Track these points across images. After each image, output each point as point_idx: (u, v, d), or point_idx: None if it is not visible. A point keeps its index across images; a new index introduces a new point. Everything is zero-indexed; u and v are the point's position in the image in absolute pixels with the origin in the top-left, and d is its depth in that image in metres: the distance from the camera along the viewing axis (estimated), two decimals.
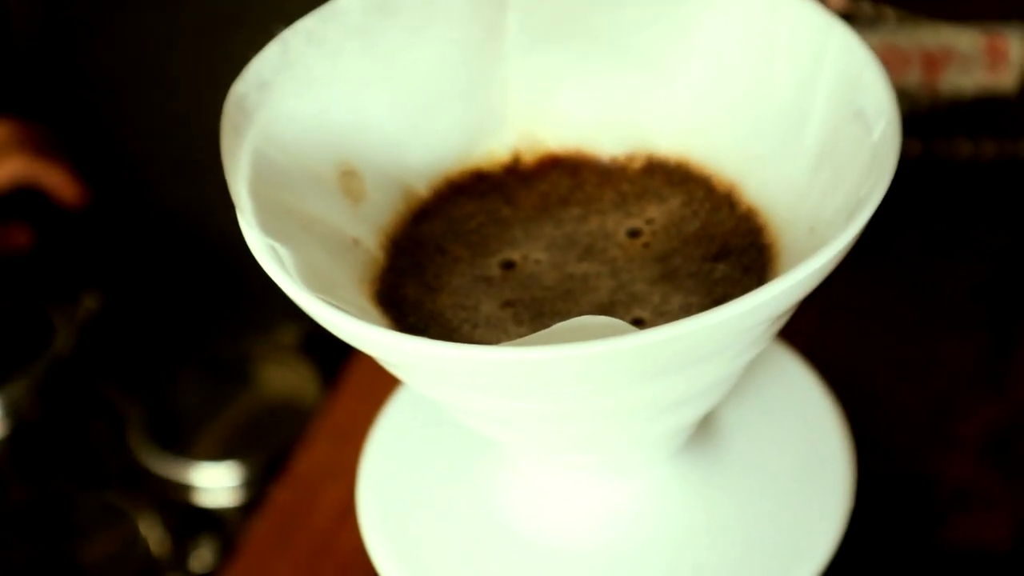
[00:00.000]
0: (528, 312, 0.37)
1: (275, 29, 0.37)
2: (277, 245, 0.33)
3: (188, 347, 0.85)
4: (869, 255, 0.70)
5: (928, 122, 0.68)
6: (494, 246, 0.39)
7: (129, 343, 0.89)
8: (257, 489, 0.75)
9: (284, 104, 0.37)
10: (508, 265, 0.39)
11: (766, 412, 0.43)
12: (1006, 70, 0.66)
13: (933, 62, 0.66)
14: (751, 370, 0.45)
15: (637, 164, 0.41)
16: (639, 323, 0.36)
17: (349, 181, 0.39)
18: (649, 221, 0.39)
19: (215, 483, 0.76)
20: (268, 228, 0.34)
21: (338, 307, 0.32)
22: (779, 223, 0.38)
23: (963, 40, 0.65)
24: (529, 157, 0.42)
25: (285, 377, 0.81)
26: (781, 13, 0.38)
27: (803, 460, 0.42)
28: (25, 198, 0.93)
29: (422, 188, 0.40)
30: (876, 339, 0.65)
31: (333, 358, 0.71)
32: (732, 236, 0.38)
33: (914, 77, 0.66)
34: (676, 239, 0.39)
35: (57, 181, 0.92)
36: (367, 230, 0.39)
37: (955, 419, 0.61)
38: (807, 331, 0.65)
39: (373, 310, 0.37)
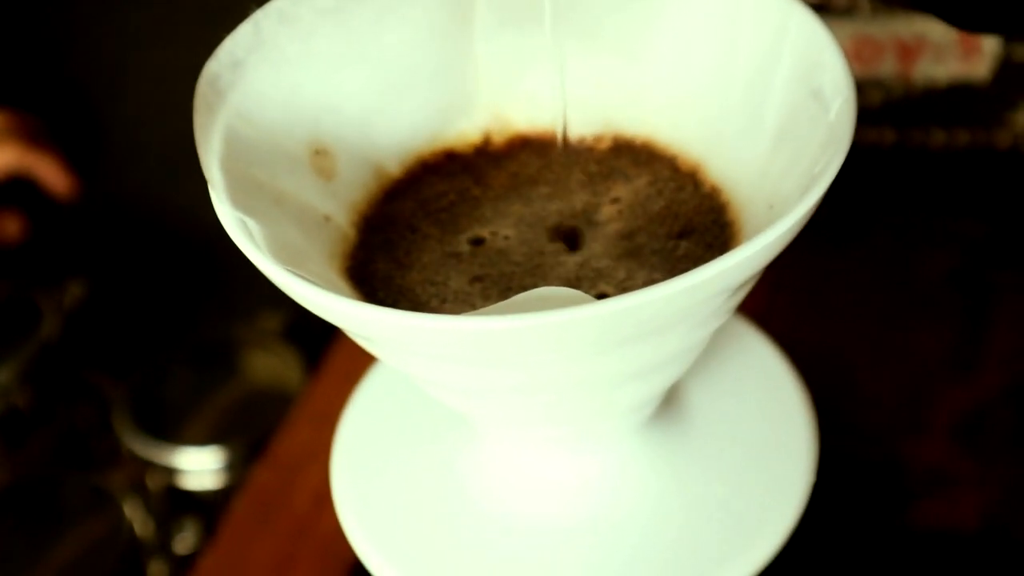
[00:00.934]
0: (496, 287, 0.38)
1: (248, 9, 0.38)
2: (247, 219, 0.34)
3: (173, 333, 0.85)
4: (845, 242, 0.70)
5: (903, 111, 0.69)
6: (463, 224, 0.40)
7: (115, 329, 0.89)
8: (240, 472, 0.76)
9: (256, 83, 0.38)
10: (477, 242, 0.40)
11: (732, 390, 0.44)
12: (979, 60, 0.66)
13: (907, 52, 0.67)
14: (718, 349, 0.46)
15: (604, 145, 0.42)
16: (603, 297, 0.37)
17: (321, 159, 0.39)
18: (615, 200, 0.40)
19: (199, 466, 0.76)
20: (239, 202, 0.35)
21: (306, 278, 0.33)
22: (741, 201, 0.39)
23: (936, 30, 0.66)
24: (499, 138, 0.43)
25: (269, 362, 0.81)
26: None
27: (767, 436, 0.43)
28: (17, 187, 0.94)
29: (394, 167, 0.41)
30: (850, 324, 0.66)
31: (316, 344, 0.72)
32: (696, 214, 0.39)
33: (888, 67, 0.67)
34: (642, 217, 0.40)
35: (49, 171, 0.93)
36: (338, 207, 0.39)
37: (927, 403, 0.62)
38: (782, 315, 0.66)
39: (343, 284, 0.38)
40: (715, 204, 0.39)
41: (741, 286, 0.35)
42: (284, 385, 0.79)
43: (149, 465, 0.78)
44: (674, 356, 0.37)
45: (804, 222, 0.33)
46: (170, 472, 0.77)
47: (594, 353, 0.34)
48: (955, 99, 0.68)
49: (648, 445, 0.42)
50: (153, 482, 0.78)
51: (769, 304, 0.67)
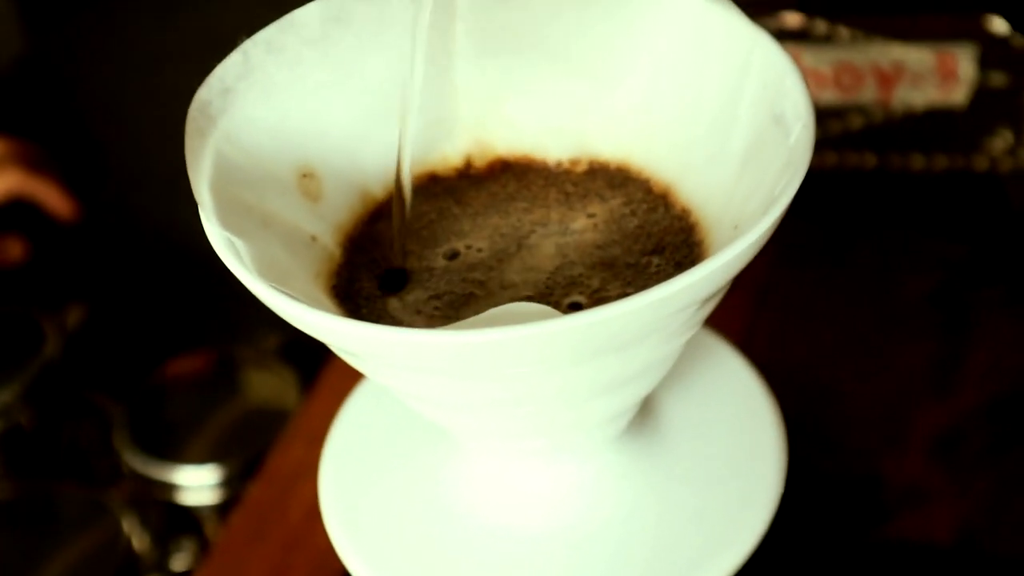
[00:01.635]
0: (472, 299, 0.40)
1: (238, 40, 0.40)
2: (235, 238, 0.36)
3: (174, 351, 0.87)
4: (828, 261, 0.72)
5: (883, 136, 0.70)
6: (442, 239, 0.42)
7: (116, 349, 0.91)
8: (237, 488, 0.77)
9: (245, 109, 0.40)
10: (453, 255, 0.41)
11: (704, 403, 0.46)
12: (956, 87, 0.68)
13: (886, 78, 0.68)
14: (690, 363, 0.47)
15: (581, 168, 0.44)
16: (576, 307, 0.39)
17: (308, 182, 0.41)
18: (591, 215, 0.42)
19: (197, 483, 0.78)
20: (227, 223, 0.36)
21: (289, 295, 0.34)
22: (709, 222, 0.40)
23: (914, 58, 0.67)
24: (480, 162, 0.44)
25: (266, 381, 0.83)
26: (712, 26, 0.41)
27: (738, 447, 0.45)
28: (19, 211, 0.96)
29: (378, 190, 0.43)
30: (832, 342, 0.68)
31: (312, 363, 0.74)
32: (667, 234, 0.41)
33: (869, 93, 0.69)
34: (616, 233, 0.41)
35: (51, 196, 0.95)
36: (324, 228, 0.41)
37: (905, 420, 0.63)
38: (766, 333, 0.68)
39: (328, 302, 0.39)
40: (685, 225, 0.41)
41: (707, 300, 0.36)
42: (281, 403, 0.81)
43: (148, 481, 0.79)
44: (646, 368, 0.38)
45: (764, 241, 0.35)
46: (169, 488, 0.79)
47: (567, 365, 0.35)
48: (933, 124, 0.69)
49: (623, 456, 0.44)
50: (151, 498, 0.80)
51: (753, 322, 0.68)
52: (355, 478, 0.47)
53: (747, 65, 0.39)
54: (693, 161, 0.41)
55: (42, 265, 0.96)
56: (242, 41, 0.40)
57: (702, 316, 0.38)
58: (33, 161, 0.97)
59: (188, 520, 0.79)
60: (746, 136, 0.39)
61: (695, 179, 0.41)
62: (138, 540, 0.77)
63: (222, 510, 0.78)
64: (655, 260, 0.40)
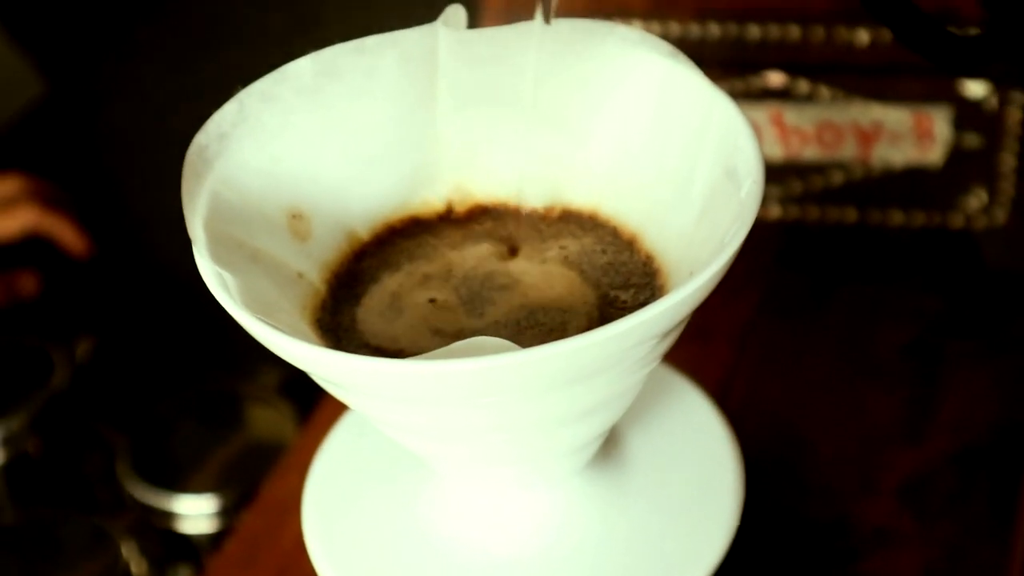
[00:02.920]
0: (446, 329, 0.42)
1: (234, 90, 0.43)
2: (224, 272, 0.39)
3: (177, 386, 0.89)
4: (807, 312, 0.74)
5: (863, 192, 0.73)
6: (420, 272, 0.45)
7: (122, 382, 0.94)
8: (234, 518, 0.79)
9: (240, 153, 0.43)
10: (432, 287, 0.44)
11: (666, 436, 0.48)
12: (932, 147, 0.70)
13: (866, 137, 0.71)
14: (654, 399, 0.50)
15: (554, 214, 0.47)
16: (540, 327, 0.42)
17: (297, 223, 0.44)
18: (563, 247, 0.45)
19: (196, 512, 0.80)
20: (218, 258, 0.39)
21: (272, 325, 0.37)
22: (670, 268, 0.43)
23: (892, 118, 0.70)
24: (460, 207, 0.47)
25: (266, 415, 0.85)
26: (676, 87, 0.44)
27: (698, 477, 0.47)
28: (34, 247, 0.99)
29: (363, 231, 0.46)
30: (809, 389, 0.69)
31: (309, 399, 0.76)
32: (632, 276, 0.44)
33: (849, 150, 0.71)
34: (586, 264, 0.44)
35: (65, 232, 0.98)
36: (311, 266, 0.44)
37: (877, 465, 0.65)
38: (745, 378, 0.70)
39: (312, 334, 0.42)
40: (648, 269, 0.44)
41: (664, 335, 0.39)
42: (279, 437, 0.83)
43: (149, 510, 0.81)
44: (609, 399, 0.41)
45: (714, 283, 0.37)
46: (168, 517, 0.81)
47: (531, 395, 0.38)
48: (911, 182, 0.71)
49: (591, 485, 0.46)
50: (151, 526, 0.82)
51: (734, 366, 0.71)
52: (337, 505, 0.50)
53: (706, 123, 0.42)
54: (657, 210, 0.44)
55: (54, 298, 0.99)
56: (238, 91, 0.43)
57: (661, 350, 0.40)
58: (50, 198, 1.00)
59: (186, 548, 0.82)
60: (703, 189, 0.42)
61: (658, 227, 0.44)
62: (137, 567, 0.79)
63: (219, 539, 0.80)
64: (621, 297, 0.43)
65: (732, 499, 0.46)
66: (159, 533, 0.82)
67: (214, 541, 0.81)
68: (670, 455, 0.48)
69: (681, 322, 0.38)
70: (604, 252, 0.45)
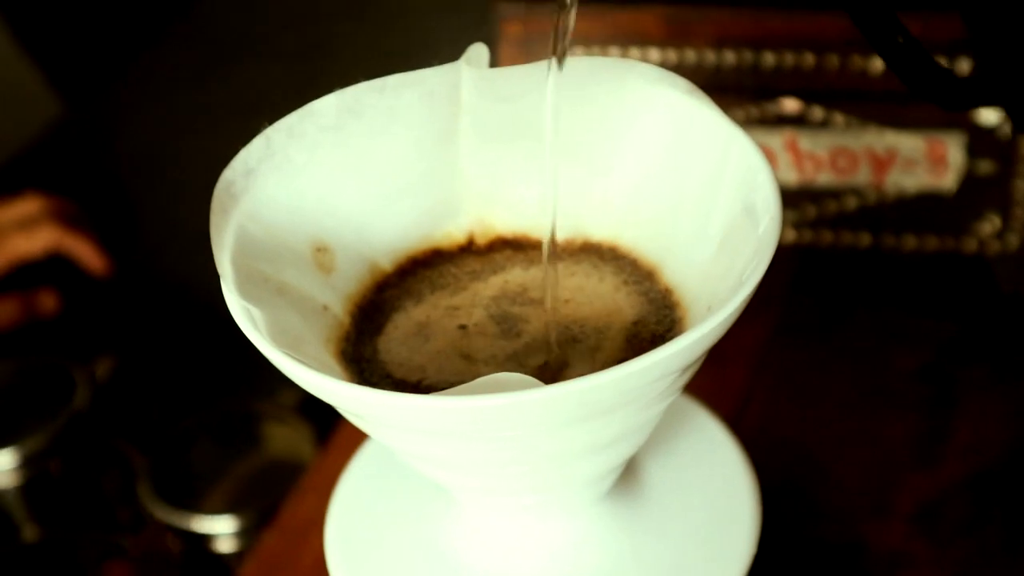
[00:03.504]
0: (475, 355, 0.43)
1: (261, 126, 0.44)
2: (252, 307, 0.39)
3: (195, 406, 0.90)
4: (821, 336, 0.75)
5: (877, 217, 0.73)
6: (443, 304, 0.46)
7: (143, 401, 0.94)
8: (253, 538, 0.80)
9: (266, 188, 0.44)
10: (457, 320, 0.45)
11: (684, 465, 0.49)
12: (945, 173, 0.71)
13: (880, 163, 0.72)
14: (674, 431, 0.51)
15: (575, 246, 0.48)
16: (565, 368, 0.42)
17: (322, 256, 0.45)
18: (586, 276, 0.46)
19: (215, 532, 0.81)
20: (245, 292, 0.40)
21: (299, 359, 0.38)
22: (688, 301, 0.44)
23: (906, 144, 0.71)
24: (482, 240, 0.48)
25: (284, 435, 0.86)
26: (695, 123, 0.44)
27: (715, 507, 0.48)
28: (55, 266, 1.00)
29: (386, 263, 0.47)
30: (823, 414, 0.70)
31: (327, 419, 0.77)
32: (651, 308, 0.45)
33: (863, 176, 0.72)
34: (609, 295, 0.45)
35: (86, 252, 0.99)
36: (335, 298, 0.45)
37: (891, 489, 0.65)
38: (761, 403, 0.71)
39: (336, 366, 0.43)
40: (668, 303, 0.45)
41: (683, 371, 0.39)
42: (298, 457, 0.84)
43: (169, 530, 0.82)
44: (628, 432, 0.42)
45: (732, 320, 0.38)
46: (188, 537, 0.82)
47: (552, 428, 0.38)
48: (924, 207, 0.72)
49: (608, 514, 0.47)
50: (171, 546, 0.83)
51: (749, 391, 0.71)
52: (359, 529, 0.50)
53: (724, 160, 0.43)
54: (675, 244, 0.45)
55: (75, 317, 1.00)
56: (264, 127, 0.44)
57: (680, 385, 0.41)
58: (71, 218, 1.01)
59: (205, 568, 0.82)
60: (721, 224, 0.43)
61: (676, 261, 0.45)
62: None
63: (239, 559, 0.81)
64: (642, 327, 0.44)
65: (749, 528, 0.47)
66: (178, 553, 0.83)
67: (234, 561, 0.81)
68: (686, 483, 0.49)
69: (701, 356, 0.39)
70: (625, 283, 0.46)
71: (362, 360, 0.44)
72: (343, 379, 0.42)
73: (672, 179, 0.45)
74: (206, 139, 1.09)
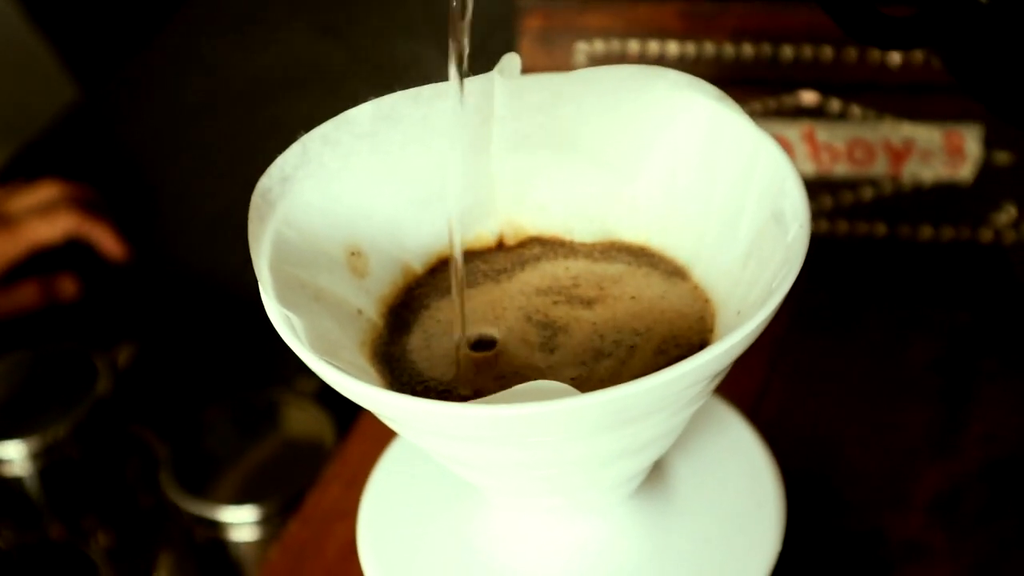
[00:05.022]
0: (502, 361, 0.44)
1: (297, 134, 0.44)
2: (291, 315, 0.40)
3: (215, 392, 0.91)
4: (838, 327, 0.75)
5: (893, 207, 0.74)
6: (478, 303, 0.46)
7: (163, 388, 0.95)
8: (275, 526, 0.81)
9: (302, 195, 0.44)
10: (482, 334, 0.46)
11: (710, 465, 0.50)
12: (962, 164, 0.72)
13: (897, 154, 0.72)
14: (698, 427, 0.51)
15: (604, 246, 0.48)
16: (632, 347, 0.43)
17: (356, 260, 0.46)
18: (615, 279, 0.46)
19: (237, 519, 0.82)
20: (284, 300, 0.41)
21: (339, 367, 0.39)
22: (717, 306, 0.45)
23: (923, 135, 0.71)
24: (512, 241, 0.49)
25: (304, 423, 0.87)
26: (723, 129, 0.45)
27: (741, 508, 0.49)
28: (74, 251, 1.01)
29: (417, 265, 0.48)
30: (840, 404, 0.70)
31: (346, 406, 0.78)
32: (682, 306, 0.45)
33: (880, 167, 0.73)
34: (638, 305, 0.46)
35: (104, 237, 1.00)
36: (369, 302, 0.46)
37: (908, 479, 0.66)
38: (778, 394, 0.71)
39: (372, 370, 0.44)
40: (698, 304, 0.45)
41: (712, 378, 0.40)
42: (318, 445, 0.84)
43: (190, 517, 0.83)
44: (657, 437, 0.42)
45: (762, 328, 0.39)
46: (210, 524, 0.83)
47: (585, 435, 0.39)
48: (941, 198, 0.73)
49: (635, 514, 0.48)
50: (193, 535, 0.84)
51: (766, 382, 0.72)
52: (391, 526, 0.51)
53: (752, 166, 0.44)
54: (704, 248, 0.46)
55: (94, 304, 1.00)
56: (300, 135, 0.44)
57: (710, 390, 0.42)
58: (89, 203, 1.01)
59: (228, 554, 0.83)
60: (750, 229, 0.43)
61: (706, 265, 0.46)
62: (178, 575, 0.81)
63: (258, 547, 0.82)
64: (674, 332, 0.44)
65: (774, 526, 0.48)
66: (202, 541, 0.83)
67: (254, 549, 0.82)
68: (711, 479, 0.50)
69: (731, 363, 0.40)
70: (657, 282, 0.46)
71: (393, 359, 0.45)
72: (378, 382, 0.43)
73: (700, 184, 0.46)
74: (222, 122, 1.09)
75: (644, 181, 0.47)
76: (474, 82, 0.45)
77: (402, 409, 0.38)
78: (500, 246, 0.49)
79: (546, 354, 0.44)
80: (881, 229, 0.74)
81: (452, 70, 0.42)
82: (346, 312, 0.44)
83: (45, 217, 0.99)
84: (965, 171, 0.72)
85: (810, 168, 0.74)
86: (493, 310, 0.46)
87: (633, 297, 0.46)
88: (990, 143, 0.71)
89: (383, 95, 0.45)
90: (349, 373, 0.38)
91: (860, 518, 0.65)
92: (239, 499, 0.82)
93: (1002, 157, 0.71)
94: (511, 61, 0.45)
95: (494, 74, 0.45)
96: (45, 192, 1.01)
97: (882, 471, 0.67)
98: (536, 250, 0.49)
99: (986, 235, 0.73)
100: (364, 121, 0.45)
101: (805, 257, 0.40)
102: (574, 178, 0.47)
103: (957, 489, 0.65)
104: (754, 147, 0.44)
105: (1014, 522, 0.63)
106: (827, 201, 0.75)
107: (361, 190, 0.46)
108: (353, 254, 0.46)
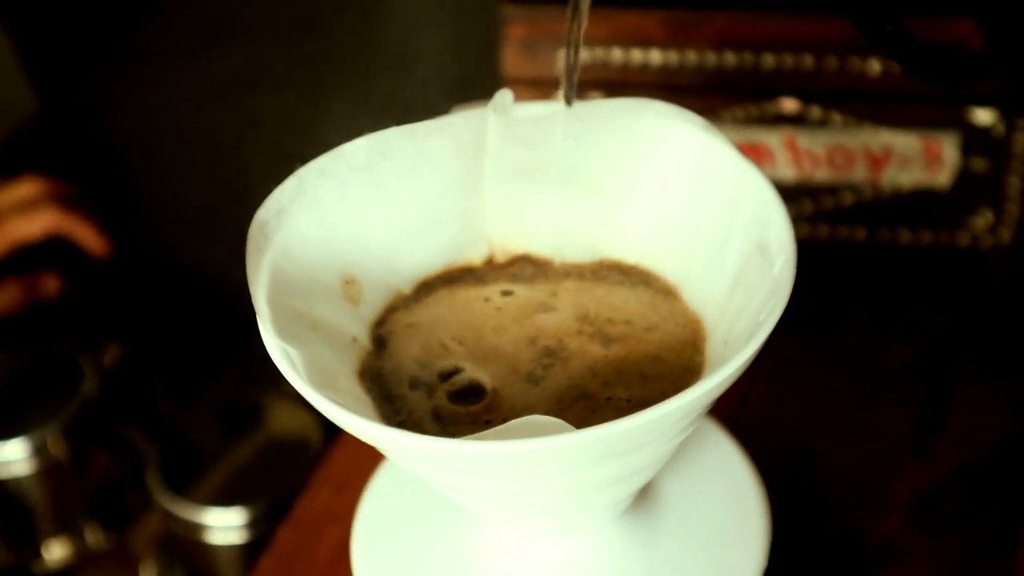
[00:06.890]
0: (493, 393, 0.45)
1: (294, 166, 0.45)
2: (289, 348, 0.41)
3: (200, 393, 0.91)
4: (817, 330, 0.76)
5: (872, 212, 0.75)
6: (466, 332, 0.47)
7: (149, 388, 0.95)
8: (262, 529, 0.81)
9: (298, 226, 0.45)
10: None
11: (698, 484, 0.51)
12: (940, 170, 0.73)
13: (876, 160, 0.73)
14: (684, 445, 0.52)
15: (593, 266, 0.49)
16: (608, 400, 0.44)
17: (350, 287, 0.46)
18: (604, 301, 0.47)
19: (223, 522, 0.82)
20: (283, 332, 0.41)
21: (336, 401, 0.39)
22: (705, 334, 0.46)
23: (902, 142, 0.72)
24: (502, 258, 0.50)
25: (291, 424, 0.87)
26: (710, 158, 0.46)
27: (726, 525, 0.50)
28: (55, 249, 1.01)
29: (407, 288, 0.48)
30: (820, 407, 0.71)
31: None
32: (673, 328, 0.46)
33: (859, 173, 0.73)
34: (633, 316, 0.46)
35: (85, 233, 1.00)
36: (362, 328, 0.46)
37: (887, 481, 0.67)
38: (758, 397, 0.72)
39: (367, 397, 0.44)
40: (687, 329, 0.46)
41: (702, 410, 0.41)
42: (305, 446, 0.85)
43: (176, 519, 0.83)
44: (648, 464, 0.43)
45: (749, 362, 0.40)
46: (195, 527, 0.83)
47: (577, 468, 0.40)
48: (919, 203, 0.73)
49: (624, 532, 0.49)
50: (179, 536, 0.84)
51: (746, 387, 0.73)
52: (385, 543, 0.52)
53: (738, 195, 0.44)
54: (690, 275, 0.47)
55: (78, 303, 1.00)
56: (297, 168, 0.45)
57: (698, 420, 0.43)
58: (70, 200, 1.01)
59: (213, 556, 0.84)
60: (736, 260, 0.44)
61: (693, 291, 0.46)
62: None
63: (246, 549, 0.82)
64: (664, 357, 0.45)
65: (759, 542, 0.49)
66: (187, 543, 0.84)
67: (243, 552, 0.83)
68: (697, 497, 0.51)
69: (720, 395, 0.41)
70: (648, 304, 0.47)
71: (387, 386, 0.45)
72: (373, 411, 0.43)
73: (687, 212, 0.47)
74: (203, 118, 1.09)
75: (633, 208, 0.48)
76: (467, 118, 0.45)
77: (398, 444, 0.39)
78: (489, 265, 0.50)
79: (532, 385, 0.45)
80: (861, 234, 0.75)
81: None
82: (342, 340, 0.45)
83: (25, 214, 0.99)
84: (943, 177, 0.73)
85: (791, 174, 0.74)
86: (477, 327, 0.47)
87: (626, 319, 0.47)
88: (967, 150, 0.72)
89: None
90: (346, 407, 0.39)
91: (838, 520, 0.65)
92: (226, 500, 0.83)
93: (979, 164, 0.72)
94: (504, 97, 0.46)
95: (488, 111, 0.46)
96: (25, 189, 1.01)
97: (862, 473, 0.68)
98: (528, 271, 0.49)
99: (963, 239, 0.74)
100: (360, 154, 0.46)
101: (791, 290, 0.41)
102: (563, 205, 0.48)
103: (935, 490, 0.66)
104: (740, 177, 0.45)
105: (991, 523, 0.64)
106: (808, 206, 0.75)
107: (356, 220, 0.46)
108: (348, 282, 0.46)
